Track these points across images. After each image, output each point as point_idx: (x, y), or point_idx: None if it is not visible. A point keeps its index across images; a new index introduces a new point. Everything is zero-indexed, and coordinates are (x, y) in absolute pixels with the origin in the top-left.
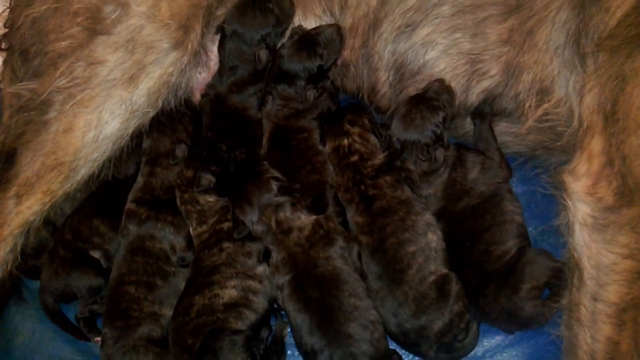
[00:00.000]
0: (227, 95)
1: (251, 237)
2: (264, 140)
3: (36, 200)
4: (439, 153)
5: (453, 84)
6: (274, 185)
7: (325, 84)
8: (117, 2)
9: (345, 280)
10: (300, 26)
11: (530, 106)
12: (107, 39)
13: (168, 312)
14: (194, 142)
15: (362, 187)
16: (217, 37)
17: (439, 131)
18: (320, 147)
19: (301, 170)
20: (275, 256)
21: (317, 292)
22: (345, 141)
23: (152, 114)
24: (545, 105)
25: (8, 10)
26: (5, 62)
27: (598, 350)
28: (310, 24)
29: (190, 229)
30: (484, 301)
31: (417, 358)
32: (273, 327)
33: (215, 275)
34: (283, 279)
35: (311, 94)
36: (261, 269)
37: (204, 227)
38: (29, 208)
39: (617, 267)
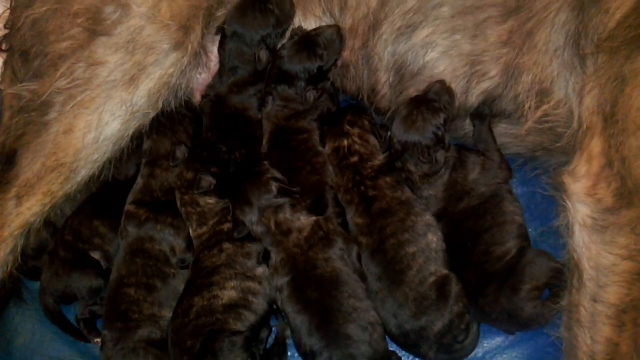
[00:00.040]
0: (228, 96)
1: (251, 238)
2: (264, 141)
3: (37, 202)
4: (440, 155)
5: (453, 86)
6: (274, 187)
7: (325, 85)
8: (117, 3)
9: (345, 281)
10: (300, 27)
11: (530, 107)
12: (107, 40)
13: (168, 314)
14: (194, 144)
15: (362, 188)
16: (218, 38)
17: (440, 133)
18: (320, 148)
19: (301, 172)
20: (275, 257)
21: (316, 293)
22: (345, 142)
23: (152, 115)
24: (545, 107)
25: (8, 11)
26: (5, 63)
27: (598, 352)
28: (310, 25)
29: (191, 231)
30: (484, 302)
31: (417, 359)
32: (273, 328)
33: (215, 277)
34: (282, 280)
35: (311, 95)
36: (261, 270)
37: (205, 229)
38: (29, 209)
39: (616, 269)
